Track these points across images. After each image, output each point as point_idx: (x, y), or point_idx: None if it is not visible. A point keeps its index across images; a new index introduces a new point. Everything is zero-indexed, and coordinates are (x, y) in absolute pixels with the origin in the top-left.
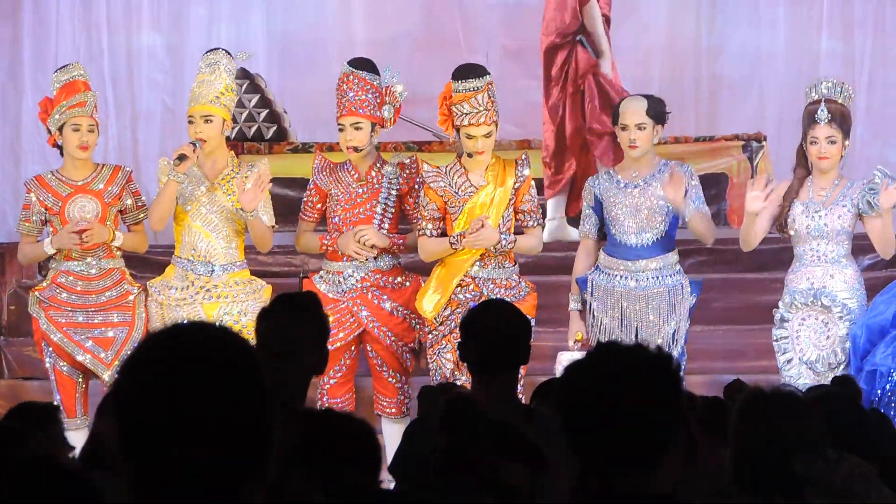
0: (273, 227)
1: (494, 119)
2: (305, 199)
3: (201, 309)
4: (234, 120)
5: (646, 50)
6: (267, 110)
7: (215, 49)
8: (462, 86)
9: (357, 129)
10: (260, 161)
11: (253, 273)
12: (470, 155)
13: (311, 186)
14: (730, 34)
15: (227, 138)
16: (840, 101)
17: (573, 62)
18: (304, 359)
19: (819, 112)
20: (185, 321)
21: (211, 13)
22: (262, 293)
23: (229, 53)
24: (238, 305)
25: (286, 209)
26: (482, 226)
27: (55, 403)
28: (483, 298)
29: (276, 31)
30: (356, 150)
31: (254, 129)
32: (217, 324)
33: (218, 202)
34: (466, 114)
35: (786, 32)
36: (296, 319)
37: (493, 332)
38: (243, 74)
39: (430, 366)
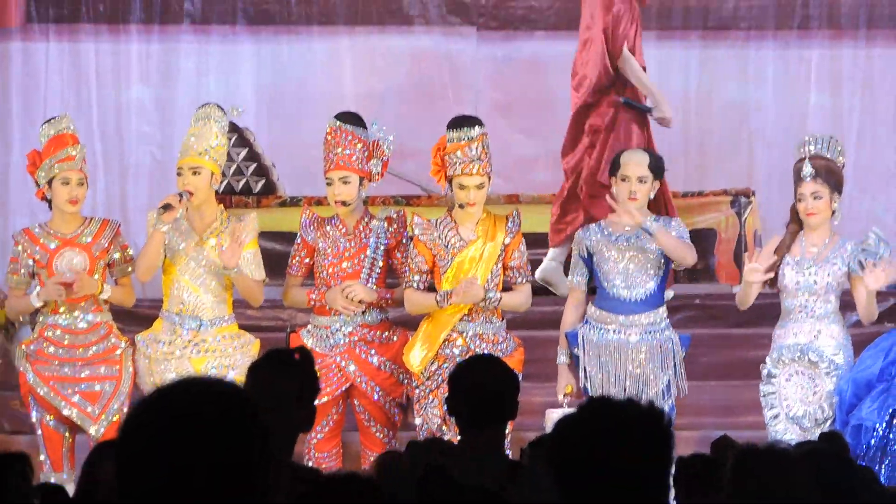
0: (264, 280)
1: (487, 171)
2: (293, 253)
3: (189, 363)
4: (223, 174)
5: None
6: (255, 164)
7: (207, 103)
8: (456, 135)
9: (345, 183)
10: (248, 215)
11: (241, 327)
12: (462, 206)
13: (299, 241)
14: (718, 89)
15: (216, 192)
16: (829, 156)
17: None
18: (292, 414)
19: (804, 169)
20: (183, 376)
21: (199, 66)
22: (251, 347)
23: (221, 108)
24: (226, 360)
25: (274, 263)
26: (470, 285)
27: (24, 452)
28: (470, 353)
29: (264, 85)
30: (344, 204)
31: (242, 182)
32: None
33: (206, 256)
34: (459, 163)
35: (774, 87)
36: (284, 375)
37: (481, 387)
38: (232, 128)
39: (417, 420)
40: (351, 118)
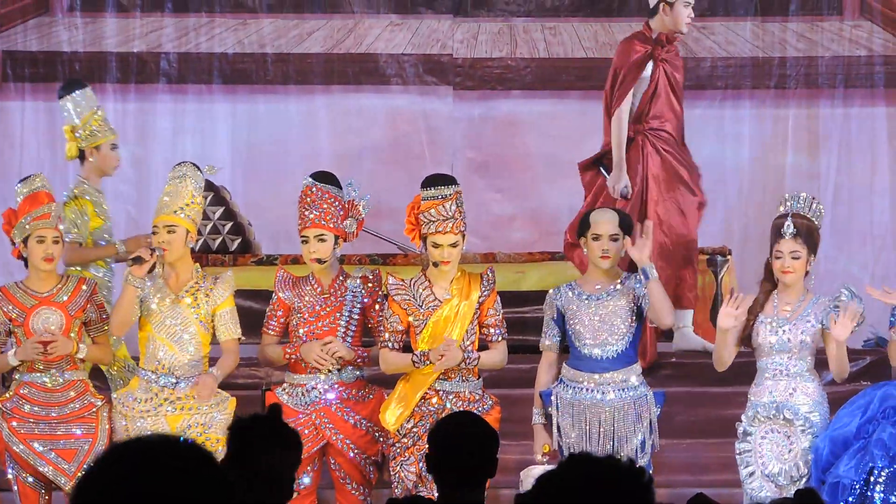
0: (239, 339)
1: (462, 229)
2: (269, 312)
3: (165, 421)
4: (199, 232)
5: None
6: (231, 222)
7: (183, 162)
8: (430, 193)
9: (321, 241)
10: (224, 273)
11: (217, 385)
12: (436, 265)
13: (275, 300)
14: (695, 149)
15: (192, 250)
16: (809, 216)
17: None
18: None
19: (785, 226)
20: (149, 433)
21: (175, 125)
22: (227, 405)
23: (197, 167)
24: (202, 417)
25: (251, 321)
26: (448, 347)
27: None
28: (446, 412)
29: (240, 144)
30: (319, 261)
31: (218, 241)
32: (182, 437)
33: (182, 314)
34: (433, 221)
35: (751, 146)
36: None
37: (462, 445)
38: (208, 186)
39: (393, 478)
40: (326, 177)
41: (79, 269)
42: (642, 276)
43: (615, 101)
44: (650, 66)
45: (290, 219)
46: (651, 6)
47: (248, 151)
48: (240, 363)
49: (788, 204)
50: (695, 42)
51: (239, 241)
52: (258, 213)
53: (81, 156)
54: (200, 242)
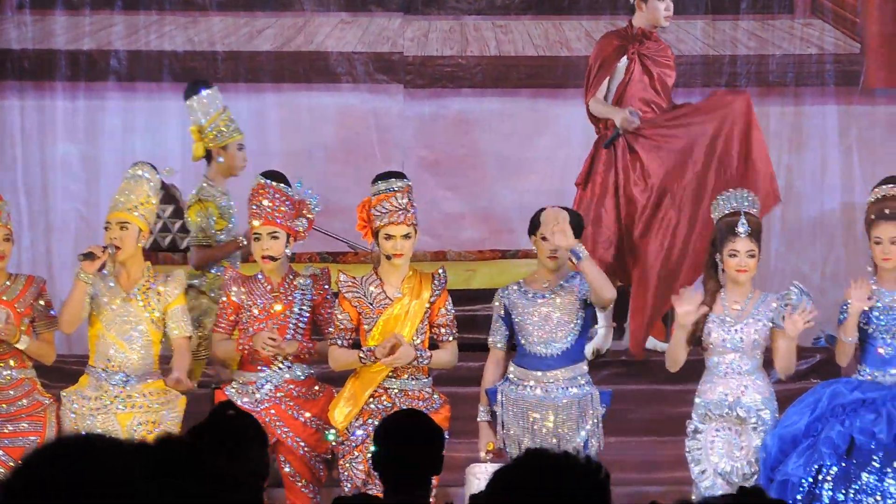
0: (190, 336)
1: (413, 223)
2: (219, 311)
3: (115, 419)
4: (150, 231)
5: (563, 160)
6: (181, 221)
7: (140, 162)
8: (381, 187)
9: (274, 238)
10: (175, 271)
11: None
12: (388, 258)
13: (224, 299)
14: None
15: (144, 249)
16: (754, 212)
17: None
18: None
19: (740, 225)
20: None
21: (126, 124)
22: (177, 404)
23: (153, 167)
24: (152, 416)
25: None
26: (396, 343)
27: None
28: (395, 409)
29: (190, 142)
30: (272, 259)
31: (168, 239)
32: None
33: (132, 313)
34: (385, 213)
35: None
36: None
37: (406, 442)
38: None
39: (342, 476)
40: (277, 176)
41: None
42: (574, 259)
43: (588, 93)
44: (625, 60)
45: (240, 217)
46: (631, 3)
47: None
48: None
49: (734, 202)
50: None
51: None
52: None
53: (208, 156)
54: (151, 241)
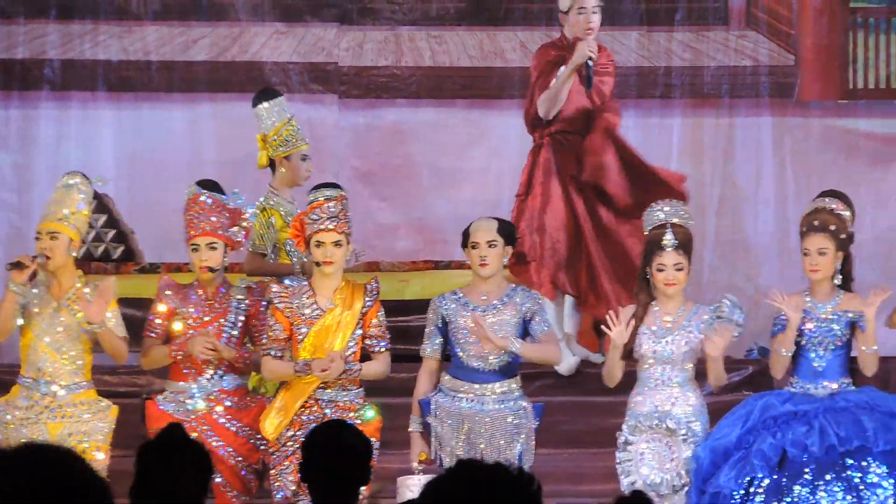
0: (125, 337)
1: (345, 231)
2: (151, 317)
3: (45, 428)
4: (83, 240)
5: (496, 171)
6: (115, 230)
7: (72, 171)
8: (315, 195)
9: (212, 249)
10: (106, 278)
11: (98, 393)
12: (318, 265)
13: (157, 305)
14: None
15: (75, 258)
16: (683, 223)
17: None
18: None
19: (665, 238)
20: (26, 441)
21: (59, 132)
22: (108, 414)
23: (86, 177)
24: (83, 426)
25: (134, 329)
26: (332, 361)
27: None
28: (325, 420)
29: (124, 152)
30: (211, 269)
31: (101, 249)
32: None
33: (64, 322)
34: (317, 220)
35: None
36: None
37: (334, 453)
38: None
39: (273, 487)
40: (212, 185)
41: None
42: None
43: (530, 104)
44: (563, 69)
45: (174, 227)
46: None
47: (132, 159)
48: (121, 371)
49: (662, 213)
50: None
51: (122, 249)
52: (141, 221)
53: (272, 165)
54: (83, 250)
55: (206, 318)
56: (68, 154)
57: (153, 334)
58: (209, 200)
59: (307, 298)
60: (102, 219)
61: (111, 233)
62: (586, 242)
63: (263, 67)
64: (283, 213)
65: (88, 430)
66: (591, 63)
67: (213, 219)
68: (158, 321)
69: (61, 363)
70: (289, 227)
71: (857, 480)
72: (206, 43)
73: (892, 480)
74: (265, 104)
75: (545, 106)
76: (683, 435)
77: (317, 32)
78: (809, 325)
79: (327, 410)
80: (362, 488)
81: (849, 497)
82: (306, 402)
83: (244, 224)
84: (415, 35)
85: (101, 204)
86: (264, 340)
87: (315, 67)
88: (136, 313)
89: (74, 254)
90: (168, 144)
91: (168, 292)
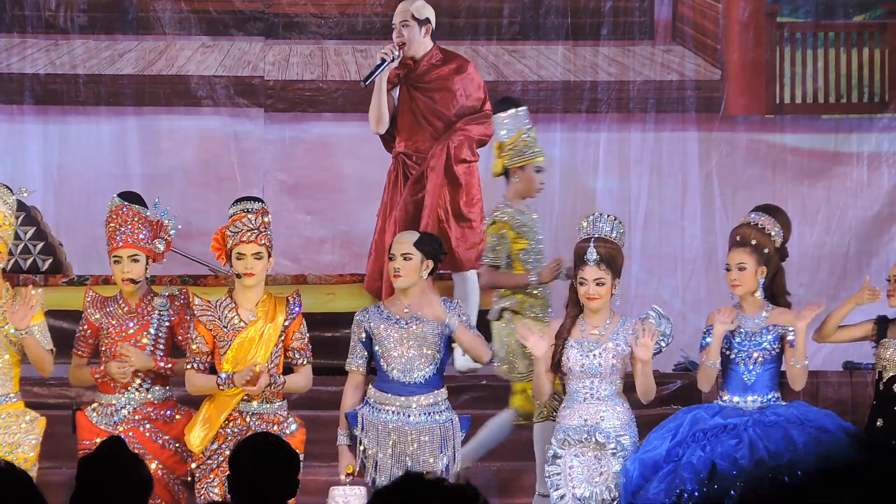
0: (52, 350)
1: (265, 243)
2: (78, 334)
3: None
4: (11, 252)
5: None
6: (43, 242)
7: None
8: (236, 208)
9: (134, 261)
10: (33, 291)
11: (27, 404)
12: (239, 276)
13: (83, 321)
14: None
15: (3, 270)
16: (613, 238)
17: None
18: None
19: (588, 253)
20: None
21: None
22: (36, 425)
23: (9, 188)
24: (10, 437)
25: (61, 341)
26: (257, 373)
27: None
28: (250, 433)
29: (51, 164)
30: (133, 282)
31: (29, 261)
32: None
33: None
34: (237, 232)
35: (561, 170)
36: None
37: (260, 466)
38: (19, 206)
39: (199, 500)
40: (134, 198)
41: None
42: (448, 331)
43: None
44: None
45: (101, 239)
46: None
47: (60, 172)
48: (50, 383)
49: (589, 227)
50: (506, 65)
51: (50, 261)
52: (69, 233)
53: (506, 174)
54: (12, 262)
55: (130, 331)
56: None
57: (80, 352)
58: (130, 212)
59: (229, 311)
60: (31, 231)
61: (39, 245)
62: None
63: (189, 81)
64: (514, 224)
65: (16, 443)
66: (381, 64)
67: (135, 231)
68: (83, 339)
69: None
70: (521, 238)
71: None
72: (133, 56)
73: None
74: (505, 113)
75: (370, 119)
76: (612, 448)
77: (242, 46)
78: (738, 339)
79: (252, 423)
80: (289, 501)
81: None
82: (231, 414)
83: (166, 236)
84: (340, 49)
85: (29, 216)
86: (187, 354)
87: (241, 81)
88: (63, 325)
89: (2, 265)
90: (95, 157)
91: (91, 308)
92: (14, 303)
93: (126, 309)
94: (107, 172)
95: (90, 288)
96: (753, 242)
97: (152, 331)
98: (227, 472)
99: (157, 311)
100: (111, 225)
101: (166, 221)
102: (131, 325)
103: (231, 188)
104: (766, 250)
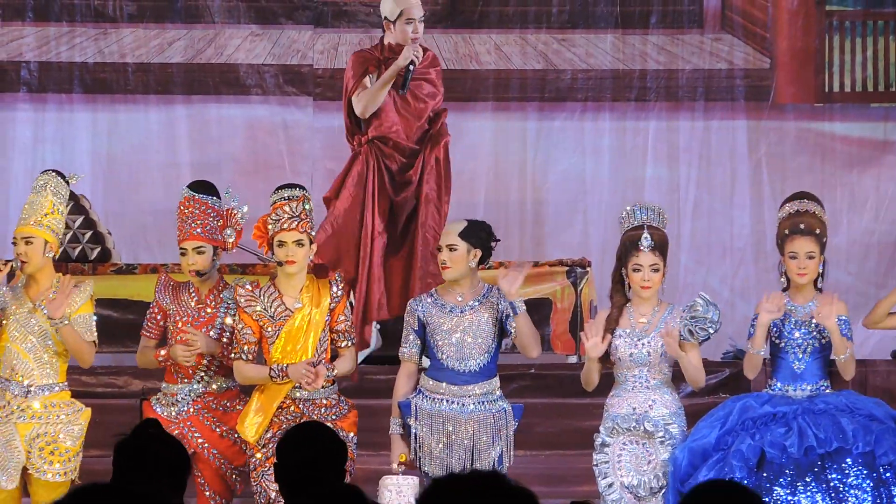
0: (94, 341)
1: (307, 230)
2: (148, 315)
3: (15, 429)
4: (60, 242)
5: (471, 174)
6: (91, 231)
7: (47, 171)
8: (277, 195)
9: (199, 253)
10: (84, 281)
11: (75, 393)
12: (280, 264)
13: (154, 304)
14: (555, 160)
15: (53, 260)
16: (660, 226)
17: None
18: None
19: (643, 239)
20: None
21: (36, 135)
22: (80, 416)
23: (61, 175)
24: (52, 427)
25: (110, 330)
26: (316, 373)
27: None
28: (304, 419)
29: (100, 153)
30: (199, 274)
31: (78, 249)
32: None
33: (38, 324)
34: (279, 220)
35: (610, 159)
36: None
37: (307, 455)
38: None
39: (255, 489)
40: (204, 187)
41: None
42: (511, 310)
43: (347, 112)
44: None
45: (149, 228)
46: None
47: (108, 161)
48: (98, 372)
49: (639, 216)
50: (555, 54)
51: (98, 249)
52: (117, 222)
53: None
54: (60, 251)
55: (197, 322)
56: (45, 156)
57: (148, 333)
58: (197, 203)
59: (274, 301)
60: (79, 219)
61: (88, 233)
62: (371, 265)
63: (238, 70)
64: None
65: (57, 433)
66: (412, 67)
67: (201, 222)
68: (153, 321)
69: (33, 364)
70: None
71: (836, 482)
72: (182, 45)
73: (870, 482)
74: None
75: (362, 102)
76: (661, 437)
77: (291, 35)
78: (788, 327)
79: (305, 409)
80: None
81: (828, 498)
82: (283, 402)
83: (236, 226)
84: None
85: (77, 205)
86: (235, 345)
87: (289, 70)
88: (112, 314)
89: (52, 254)
90: (144, 146)
91: (162, 293)
92: (52, 290)
93: (196, 300)
94: (155, 161)
95: (163, 271)
96: (818, 231)
97: (217, 323)
98: (275, 461)
99: (224, 305)
100: (180, 217)
101: (237, 210)
102: (197, 315)
103: (280, 177)
104: (824, 239)
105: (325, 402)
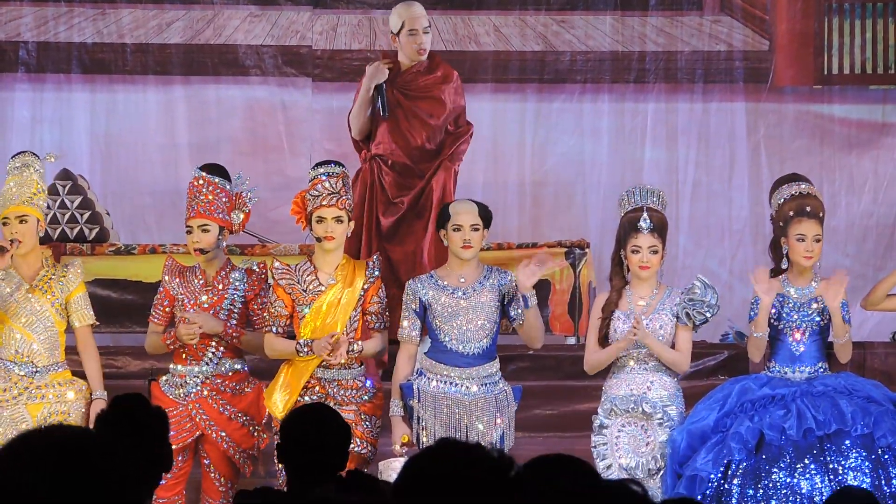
0: (94, 324)
1: (346, 207)
2: (155, 301)
3: (25, 409)
4: (57, 221)
5: (470, 155)
6: (89, 212)
7: (23, 152)
8: (317, 171)
9: (204, 231)
10: (73, 261)
11: (75, 374)
12: (319, 240)
13: (161, 289)
14: (554, 142)
15: (42, 239)
16: (659, 208)
17: None
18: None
19: (642, 221)
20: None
21: (34, 115)
22: (85, 393)
23: (37, 155)
24: (62, 406)
25: (109, 310)
26: (336, 342)
27: None
28: (329, 400)
29: (98, 133)
30: (202, 251)
31: (76, 230)
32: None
33: (37, 303)
34: (318, 196)
35: (609, 140)
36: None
37: (310, 437)
38: (65, 175)
39: (277, 468)
40: (215, 169)
41: None
42: (522, 302)
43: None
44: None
45: (148, 208)
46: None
47: (107, 141)
48: (99, 352)
49: (637, 198)
50: (554, 36)
51: (96, 230)
52: (116, 202)
53: None
54: (58, 231)
55: (205, 304)
56: (43, 136)
57: (156, 319)
58: (205, 183)
59: (308, 276)
60: (77, 200)
61: (86, 214)
62: None
63: (237, 50)
64: None
65: (68, 411)
66: (383, 87)
67: (209, 201)
68: (160, 307)
69: (37, 344)
70: None
71: (834, 464)
72: (180, 25)
73: (869, 464)
74: None
75: (352, 124)
76: (659, 419)
77: (290, 16)
78: (787, 309)
79: (330, 390)
80: (339, 473)
81: (826, 480)
82: (309, 382)
83: (244, 208)
84: (387, 19)
85: (75, 185)
86: (266, 317)
87: (288, 51)
88: (111, 294)
89: (40, 234)
90: (142, 126)
91: (168, 276)
92: (56, 270)
93: (202, 282)
94: (154, 142)
95: (170, 255)
96: (821, 214)
97: (226, 304)
98: (278, 442)
99: (232, 286)
100: (188, 196)
101: (247, 193)
102: (205, 297)
103: (278, 158)
104: (824, 221)
105: (351, 383)
